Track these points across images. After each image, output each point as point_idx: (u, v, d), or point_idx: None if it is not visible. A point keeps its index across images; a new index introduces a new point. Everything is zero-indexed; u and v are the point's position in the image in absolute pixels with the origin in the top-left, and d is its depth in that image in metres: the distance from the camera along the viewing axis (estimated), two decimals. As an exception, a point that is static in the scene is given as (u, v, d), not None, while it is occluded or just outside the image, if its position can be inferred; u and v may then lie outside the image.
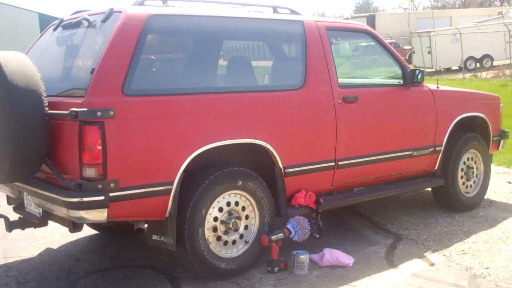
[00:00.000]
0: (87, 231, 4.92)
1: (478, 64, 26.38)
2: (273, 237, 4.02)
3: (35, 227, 4.21)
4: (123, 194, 3.41)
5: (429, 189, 5.72)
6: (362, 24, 5.42)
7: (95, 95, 3.37)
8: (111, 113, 3.33)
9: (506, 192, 6.27)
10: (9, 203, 4.45)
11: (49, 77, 3.75)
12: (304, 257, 4.04)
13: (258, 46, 5.02)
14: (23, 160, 3.40)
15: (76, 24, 4.00)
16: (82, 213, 3.34)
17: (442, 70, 26.45)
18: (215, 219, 3.87)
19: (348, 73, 6.74)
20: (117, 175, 3.38)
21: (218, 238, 3.90)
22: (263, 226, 4.08)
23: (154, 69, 3.91)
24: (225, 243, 3.94)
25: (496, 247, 4.53)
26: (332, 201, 4.57)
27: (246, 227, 4.03)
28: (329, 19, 5.92)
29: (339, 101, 4.45)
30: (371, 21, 35.59)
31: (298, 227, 4.17)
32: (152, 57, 3.89)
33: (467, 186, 5.57)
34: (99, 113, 3.29)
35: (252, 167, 4.04)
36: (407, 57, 28.09)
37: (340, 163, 4.48)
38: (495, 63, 25.83)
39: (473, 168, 5.60)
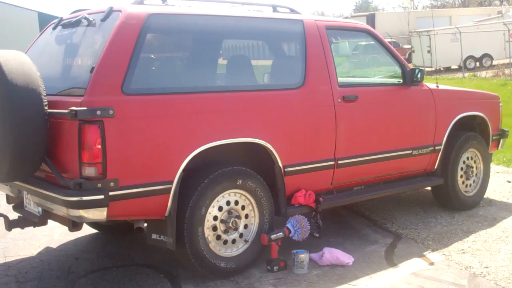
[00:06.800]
0: (86, 230, 4.92)
1: (477, 63, 26.38)
2: (273, 236, 4.02)
3: (34, 226, 4.23)
4: (123, 193, 3.41)
5: (429, 188, 5.71)
6: (362, 23, 5.42)
7: (95, 94, 3.36)
8: (111, 112, 3.32)
9: (506, 191, 6.27)
10: (8, 202, 4.45)
11: (49, 76, 3.75)
12: (303, 256, 4.04)
13: (258, 45, 5.02)
14: (22, 159, 3.39)
15: (76, 23, 3.99)
16: (82, 212, 3.34)
17: (441, 69, 26.44)
18: (215, 218, 3.87)
19: (348, 72, 6.75)
20: (116, 174, 3.37)
21: (218, 237, 3.90)
22: (263, 225, 4.08)
23: (153, 68, 3.90)
24: (225, 242, 3.94)
25: (496, 246, 4.53)
26: (332, 200, 4.57)
27: (245, 226, 4.03)
28: (328, 18, 5.91)
29: (339, 100, 4.45)
30: (371, 20, 35.63)
31: (298, 226, 4.17)
32: (152, 56, 3.89)
33: (466, 185, 5.57)
34: (98, 112, 3.28)
35: (252, 166, 4.04)
36: (406, 56, 28.09)
37: (339, 162, 4.48)
38: (494, 62, 25.82)
39: (472, 167, 5.60)
